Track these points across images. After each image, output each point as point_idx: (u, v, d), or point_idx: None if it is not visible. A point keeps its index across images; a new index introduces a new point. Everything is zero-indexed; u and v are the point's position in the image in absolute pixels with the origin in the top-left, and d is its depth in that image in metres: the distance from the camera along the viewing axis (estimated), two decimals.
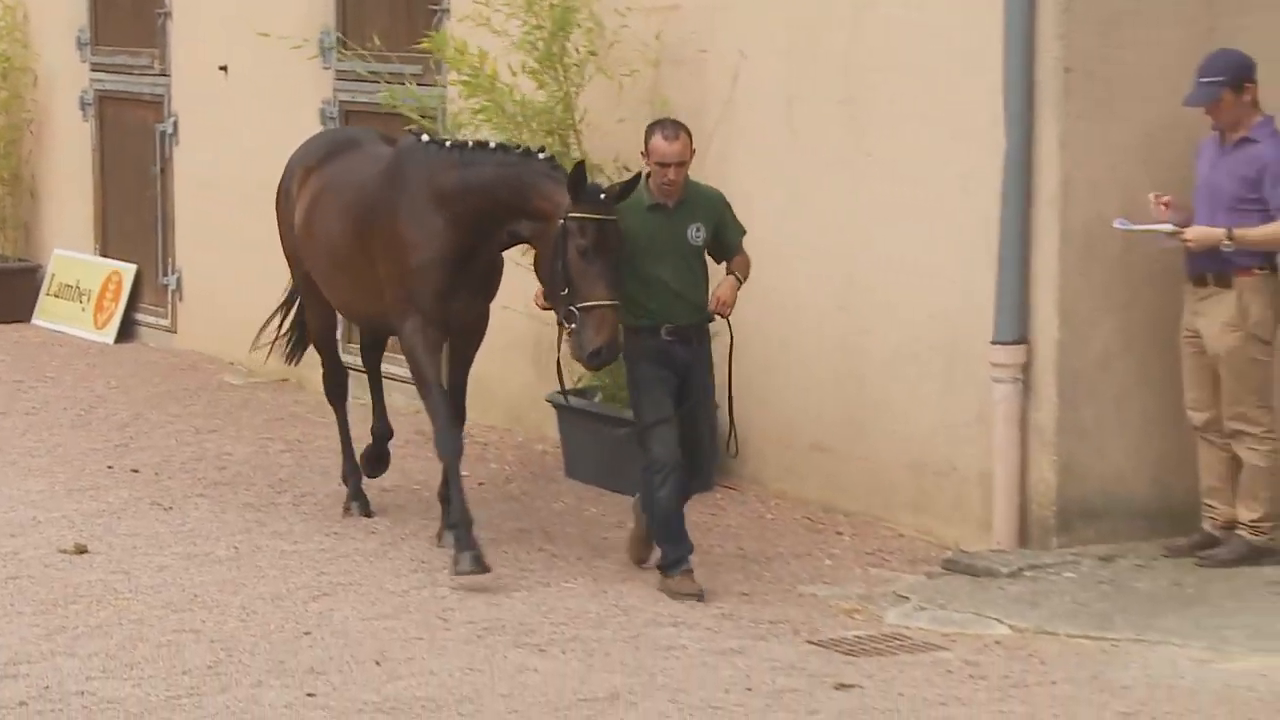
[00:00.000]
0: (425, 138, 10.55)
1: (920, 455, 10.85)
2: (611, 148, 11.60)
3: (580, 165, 9.65)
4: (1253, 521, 9.92)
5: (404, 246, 10.07)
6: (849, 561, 10.29)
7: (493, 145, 10.17)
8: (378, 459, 11.31)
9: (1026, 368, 10.24)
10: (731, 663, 8.62)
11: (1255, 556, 9.87)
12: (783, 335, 11.51)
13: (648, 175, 9.70)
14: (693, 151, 9.81)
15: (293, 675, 8.39)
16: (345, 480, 11.28)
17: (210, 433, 13.13)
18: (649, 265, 9.64)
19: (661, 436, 9.64)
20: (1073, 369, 10.22)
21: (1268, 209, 9.72)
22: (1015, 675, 8.48)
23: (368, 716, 7.91)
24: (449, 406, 10.18)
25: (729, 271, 9.85)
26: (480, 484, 11.57)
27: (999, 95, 10.17)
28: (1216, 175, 9.84)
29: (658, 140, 9.61)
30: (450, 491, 10.07)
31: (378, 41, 12.86)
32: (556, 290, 9.59)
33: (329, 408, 11.42)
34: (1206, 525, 10.08)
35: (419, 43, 12.45)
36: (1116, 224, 9.91)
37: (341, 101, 14.14)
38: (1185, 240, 9.76)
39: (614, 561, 10.18)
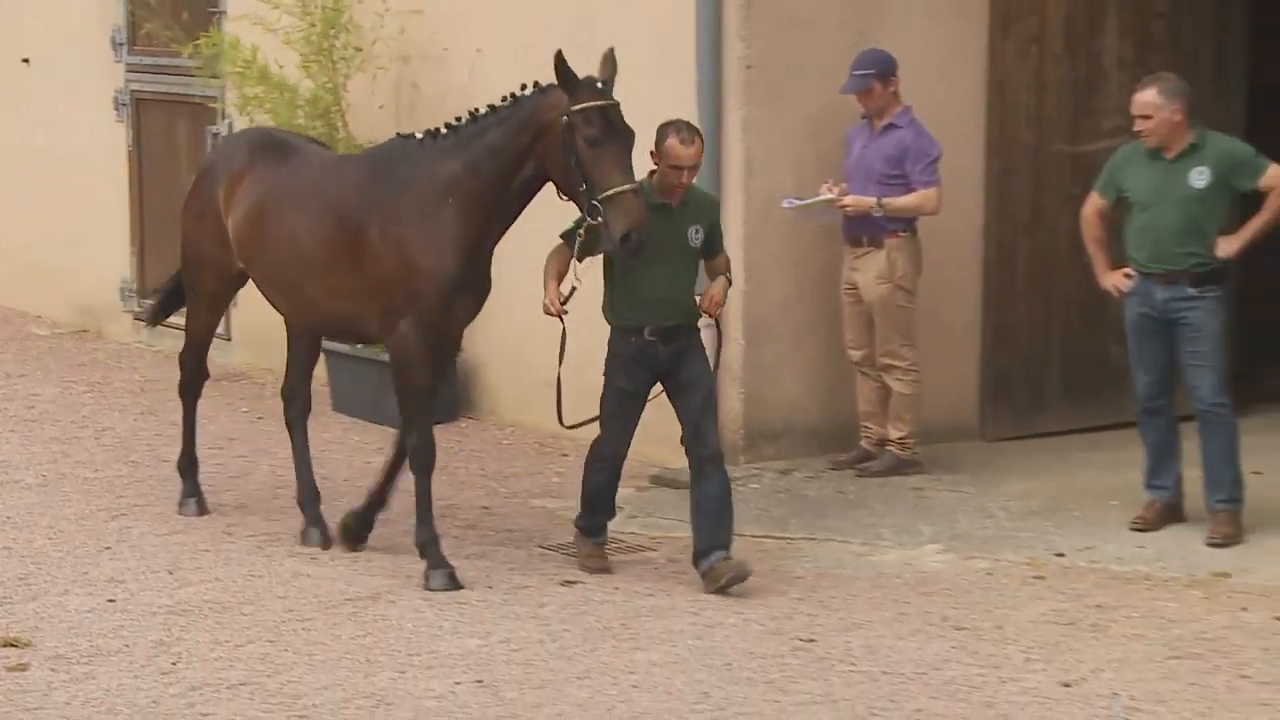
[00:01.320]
0: (419, 135, 8.59)
1: None
2: (372, 129, 11.45)
3: (560, 55, 7.99)
4: (900, 439, 10.15)
5: (408, 248, 8.33)
6: (573, 479, 10.34)
7: (482, 110, 8.40)
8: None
9: (719, 315, 10.38)
10: (475, 565, 8.65)
11: (902, 468, 10.11)
12: (514, 287, 11.57)
13: (651, 174, 8.31)
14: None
15: (95, 584, 8.29)
16: (182, 473, 9.61)
17: (20, 377, 12.81)
18: (647, 263, 8.15)
19: (614, 433, 8.58)
20: (755, 316, 10.36)
21: (909, 182, 9.95)
22: None
23: (161, 618, 7.83)
24: (430, 417, 8.68)
25: (715, 272, 8.56)
26: (260, 419, 11.49)
27: (693, 87, 10.26)
28: (868, 155, 10.02)
29: (673, 142, 8.20)
30: (419, 508, 8.44)
31: (165, 35, 12.73)
32: (576, 188, 8.02)
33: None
34: (863, 443, 10.28)
35: (198, 40, 12.27)
36: (784, 203, 10.06)
37: (133, 90, 13.83)
38: (844, 207, 9.96)
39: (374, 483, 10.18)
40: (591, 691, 7.05)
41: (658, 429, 10.50)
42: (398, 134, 8.86)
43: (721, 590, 8.17)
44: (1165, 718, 6.68)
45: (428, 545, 8.40)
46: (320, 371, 11.89)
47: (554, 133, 8.05)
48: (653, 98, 10.59)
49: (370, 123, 11.65)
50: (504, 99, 8.33)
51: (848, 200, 9.95)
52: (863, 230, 10.08)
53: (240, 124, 12.02)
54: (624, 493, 10.01)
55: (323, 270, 8.66)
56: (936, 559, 8.80)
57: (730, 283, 8.67)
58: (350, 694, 7.01)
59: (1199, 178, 8.80)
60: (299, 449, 9.26)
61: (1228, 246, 8.82)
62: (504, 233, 8.57)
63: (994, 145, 10.74)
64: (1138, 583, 8.32)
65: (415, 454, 8.47)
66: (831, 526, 9.34)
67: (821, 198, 9.99)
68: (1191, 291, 8.83)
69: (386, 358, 9.08)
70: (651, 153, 8.29)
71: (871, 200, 9.93)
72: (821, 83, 10.23)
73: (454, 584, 8.28)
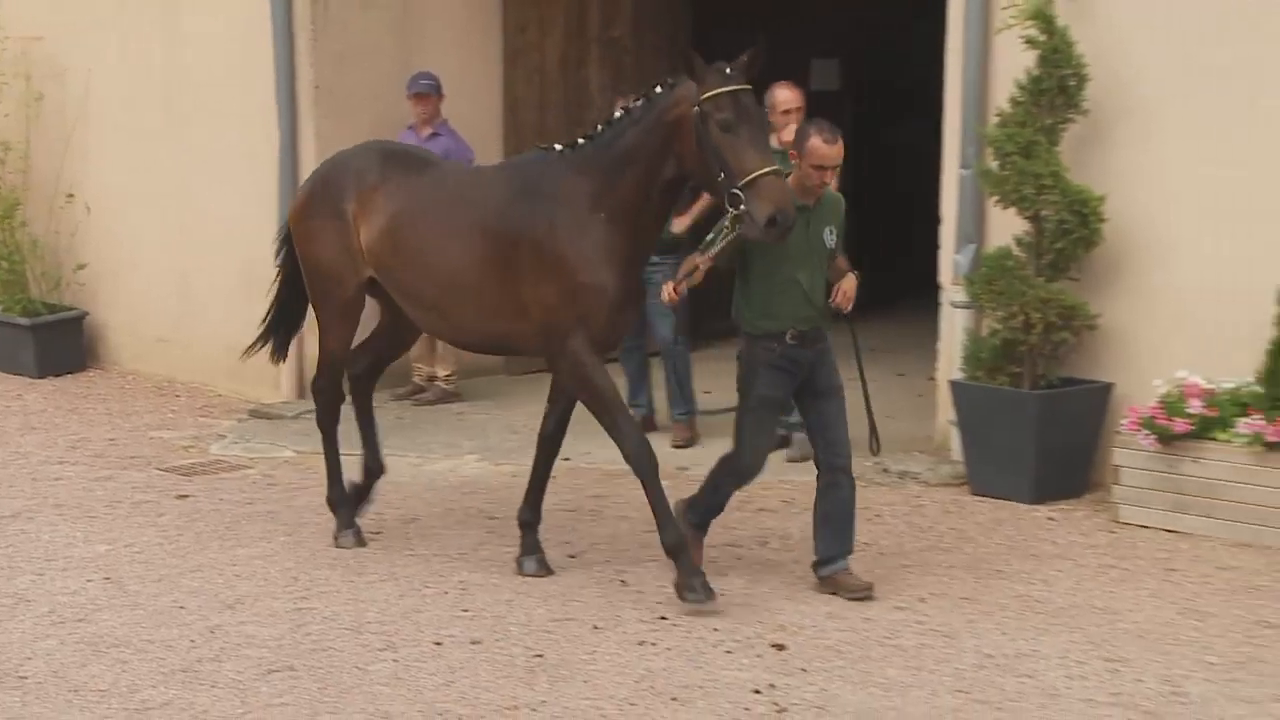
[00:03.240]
0: (558, 146, 6.61)
1: (233, 341, 10.64)
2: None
3: (688, 47, 6.33)
4: (445, 376, 10.07)
5: (569, 264, 6.37)
6: (186, 414, 10.01)
7: (616, 114, 6.50)
8: (365, 495, 7.50)
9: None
10: (103, 485, 8.24)
11: (447, 398, 9.99)
12: (133, 260, 11.17)
13: (788, 175, 6.30)
14: None
15: None
16: (333, 508, 7.38)
17: None
18: (787, 267, 6.29)
19: (757, 449, 6.53)
20: None
21: None
22: (296, 480, 8.37)
23: None
24: (636, 422, 6.91)
25: (839, 270, 6.47)
26: None
27: (272, 101, 9.98)
28: None
29: (816, 142, 6.23)
30: (656, 513, 6.41)
31: None
32: (714, 179, 6.07)
33: None
34: (415, 379, 10.14)
35: None
36: None
37: None
38: None
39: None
40: (202, 581, 6.76)
41: (253, 375, 10.27)
42: (537, 145, 6.94)
43: (843, 593, 6.45)
44: (644, 578, 6.77)
45: (677, 549, 6.37)
46: None
47: (687, 126, 6.14)
48: (238, 110, 10.35)
49: None
50: (637, 99, 6.42)
51: None
52: None
53: None
54: (226, 423, 9.76)
55: (474, 289, 6.61)
56: (474, 466, 8.72)
57: (858, 279, 6.46)
58: None
59: None
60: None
61: (679, 223, 9.04)
62: (655, 240, 6.67)
63: (510, 150, 10.68)
64: (623, 478, 8.37)
65: (635, 461, 6.43)
66: (393, 444, 9.04)
67: None
68: (655, 258, 9.00)
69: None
70: (792, 153, 6.40)
71: None
72: (376, 100, 10.00)
73: (710, 594, 6.27)
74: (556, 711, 5.33)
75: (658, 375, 9.28)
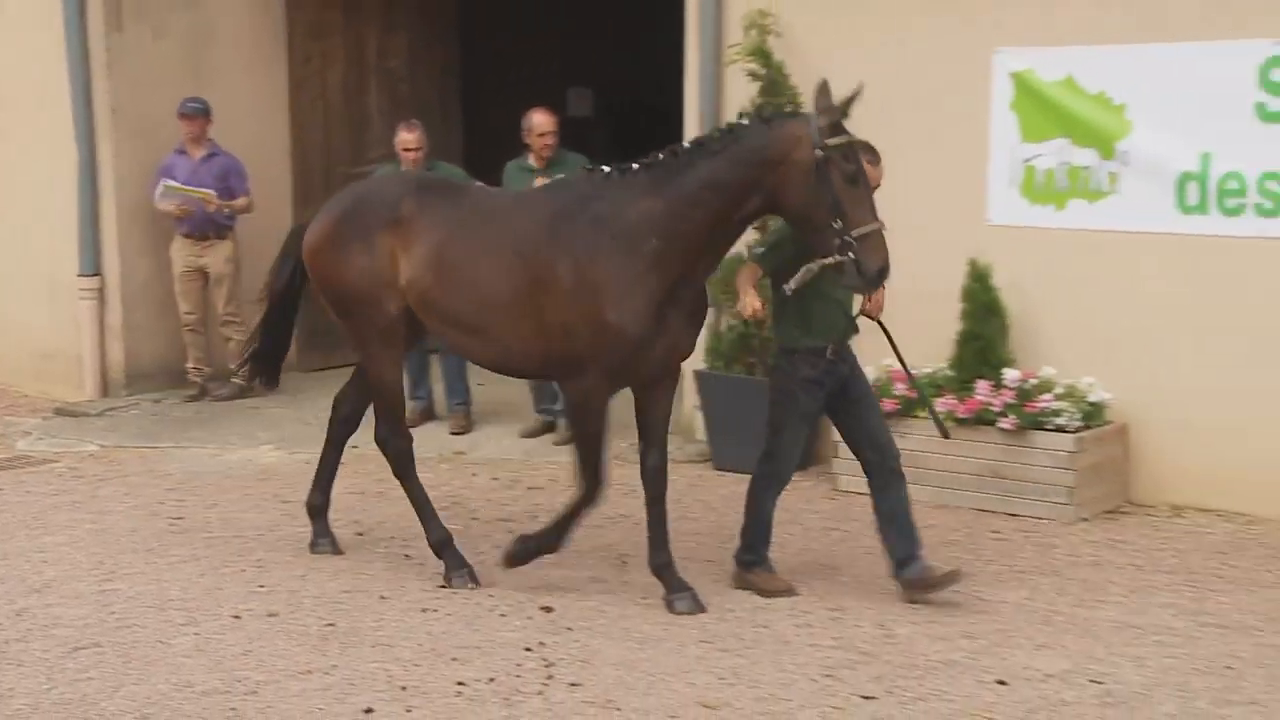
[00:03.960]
0: (605, 169, 5.77)
1: (38, 346, 10.24)
2: None
3: (825, 85, 5.40)
4: (240, 372, 9.88)
5: (601, 295, 5.54)
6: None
7: (691, 143, 5.71)
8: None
9: (101, 290, 9.77)
10: None
11: (242, 393, 9.71)
12: None
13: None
14: None
15: None
16: (438, 552, 6.30)
17: None
18: (827, 285, 5.64)
19: (794, 458, 6.02)
20: (129, 289, 9.81)
21: (235, 193, 9.59)
22: (101, 473, 8.09)
23: None
24: (603, 472, 5.87)
25: None
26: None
27: (69, 122, 9.63)
28: (201, 172, 9.54)
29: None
30: (561, 527, 6.01)
31: None
32: (825, 224, 5.36)
33: None
34: (196, 379, 9.80)
35: None
36: (164, 183, 9.44)
37: None
38: (214, 205, 9.48)
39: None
40: (8, 568, 6.43)
41: (57, 377, 9.89)
42: (583, 167, 6.21)
43: (932, 589, 5.91)
44: (426, 552, 6.64)
45: (664, 567, 5.90)
46: None
47: (798, 166, 5.38)
48: (46, 131, 9.94)
49: None
50: (715, 133, 5.68)
51: (215, 200, 9.52)
52: (210, 227, 9.62)
53: None
54: (31, 421, 9.37)
55: (516, 312, 5.77)
56: (270, 455, 8.52)
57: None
58: None
59: None
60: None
61: None
62: (715, 266, 5.89)
63: (298, 168, 10.56)
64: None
65: (581, 498, 5.89)
66: (193, 437, 8.91)
67: (201, 190, 9.45)
68: None
69: None
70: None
71: (220, 203, 9.53)
72: (166, 121, 9.67)
73: (700, 606, 5.79)
74: (347, 674, 5.24)
75: (436, 371, 9.19)
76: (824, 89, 5.39)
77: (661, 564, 5.88)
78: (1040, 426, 7.07)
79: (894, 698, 4.99)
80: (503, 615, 5.84)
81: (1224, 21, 6.88)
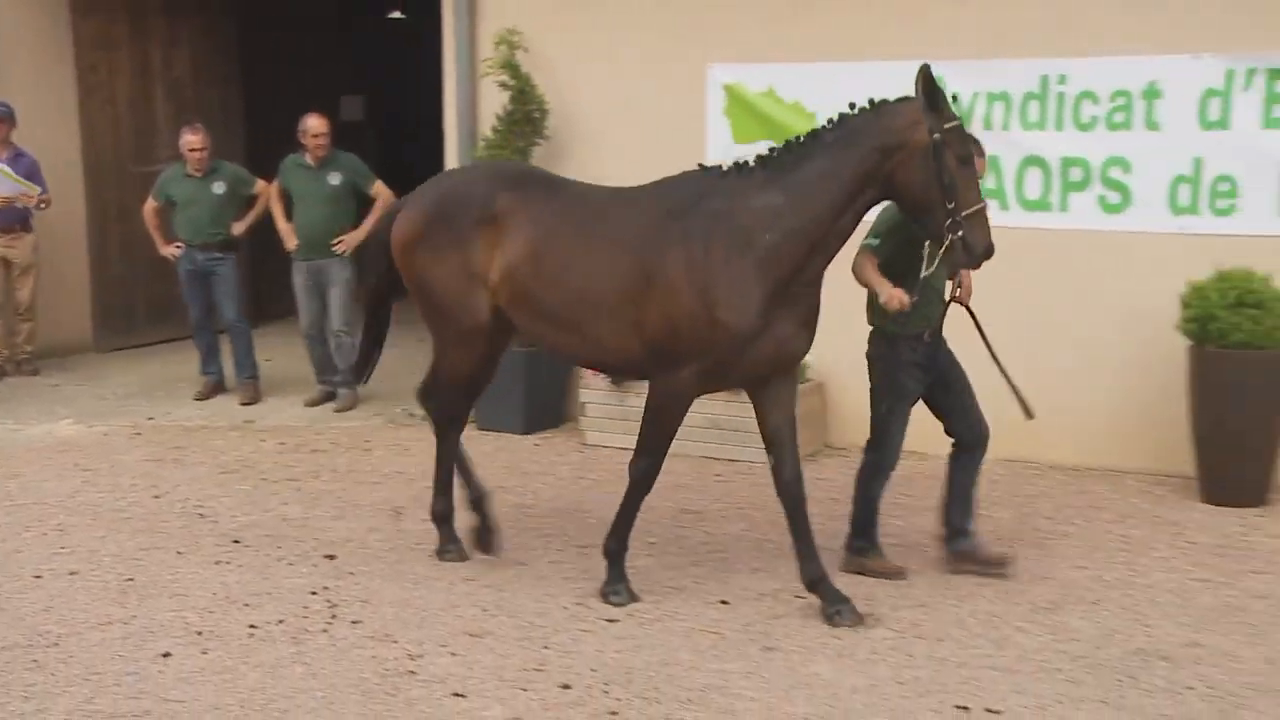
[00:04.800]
0: (723, 167, 5.03)
1: None
2: None
3: (927, 69, 4.74)
4: (27, 351, 9.27)
5: (709, 289, 4.82)
6: None
7: (805, 136, 4.93)
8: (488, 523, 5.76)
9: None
10: None
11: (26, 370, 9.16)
12: None
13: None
14: None
15: None
16: (436, 521, 5.74)
17: None
18: (935, 270, 5.04)
19: (897, 443, 5.42)
20: None
21: (43, 190, 9.03)
22: None
23: None
24: (659, 461, 5.18)
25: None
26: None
27: None
28: (11, 170, 8.95)
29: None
30: (620, 519, 5.27)
31: None
32: (939, 206, 4.71)
33: None
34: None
35: None
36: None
37: None
38: (39, 200, 8.95)
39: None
40: None
41: None
42: (699, 165, 5.17)
43: (979, 566, 5.49)
44: (219, 510, 6.48)
45: (614, 555, 5.29)
46: None
47: (915, 151, 4.75)
48: None
49: None
50: (827, 124, 4.90)
51: (39, 196, 8.97)
52: (16, 221, 9.06)
53: None
54: None
55: (619, 309, 4.98)
56: (69, 429, 8.04)
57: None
58: None
59: (219, 188, 8.54)
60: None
61: (238, 227, 8.68)
62: (827, 264, 4.97)
63: (90, 168, 10.04)
64: (199, 431, 8.02)
65: (643, 476, 5.18)
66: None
67: (30, 185, 8.88)
68: (219, 255, 8.64)
69: None
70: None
71: (41, 198, 8.99)
72: None
73: (631, 598, 5.23)
74: (146, 623, 5.04)
75: (227, 348, 8.87)
76: (926, 74, 4.73)
77: (816, 578, 5.05)
78: None
79: (634, 619, 5.09)
80: (290, 564, 5.70)
81: (892, 45, 7.22)
